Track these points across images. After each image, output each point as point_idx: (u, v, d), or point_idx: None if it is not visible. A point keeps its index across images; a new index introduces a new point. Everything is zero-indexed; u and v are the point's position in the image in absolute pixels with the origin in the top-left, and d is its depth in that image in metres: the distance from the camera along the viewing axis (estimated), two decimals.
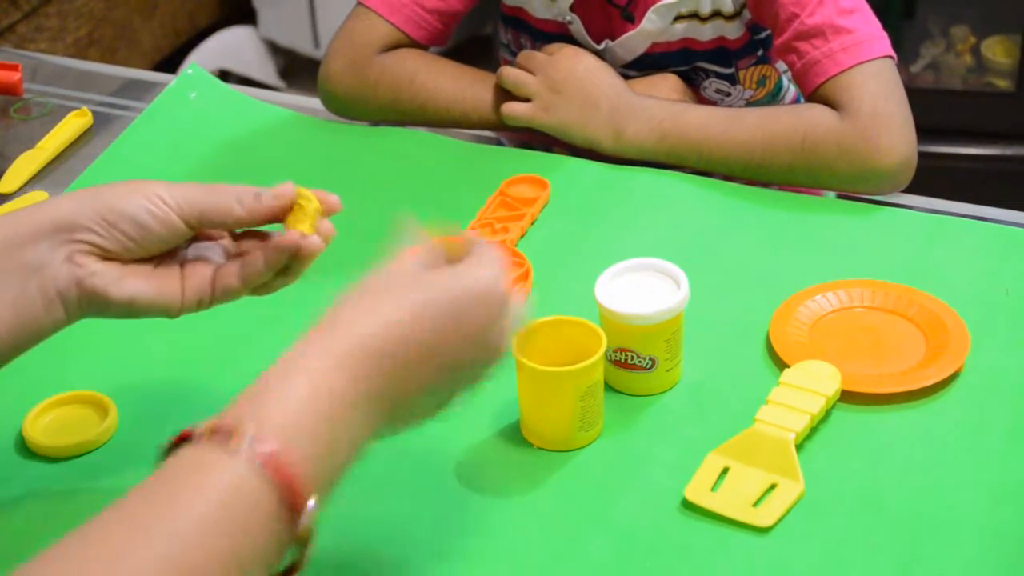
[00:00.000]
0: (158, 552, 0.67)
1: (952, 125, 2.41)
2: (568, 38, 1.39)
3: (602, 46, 1.39)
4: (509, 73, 1.35)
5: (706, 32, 1.37)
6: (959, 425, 1.02)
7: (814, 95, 1.28)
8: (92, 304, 0.88)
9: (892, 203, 1.27)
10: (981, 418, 1.02)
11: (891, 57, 1.27)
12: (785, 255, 1.20)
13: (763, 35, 1.38)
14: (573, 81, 1.32)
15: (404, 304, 0.78)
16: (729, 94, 1.42)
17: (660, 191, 1.28)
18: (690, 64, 1.39)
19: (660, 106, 1.30)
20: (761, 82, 1.43)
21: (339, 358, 0.76)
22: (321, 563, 0.93)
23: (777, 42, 1.31)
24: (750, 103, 1.43)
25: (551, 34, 1.40)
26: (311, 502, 0.72)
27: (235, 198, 0.90)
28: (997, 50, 2.51)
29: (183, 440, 0.73)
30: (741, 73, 1.41)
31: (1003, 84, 2.49)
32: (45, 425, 1.03)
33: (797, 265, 1.18)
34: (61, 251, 0.87)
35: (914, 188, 1.29)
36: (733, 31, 1.37)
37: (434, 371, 0.79)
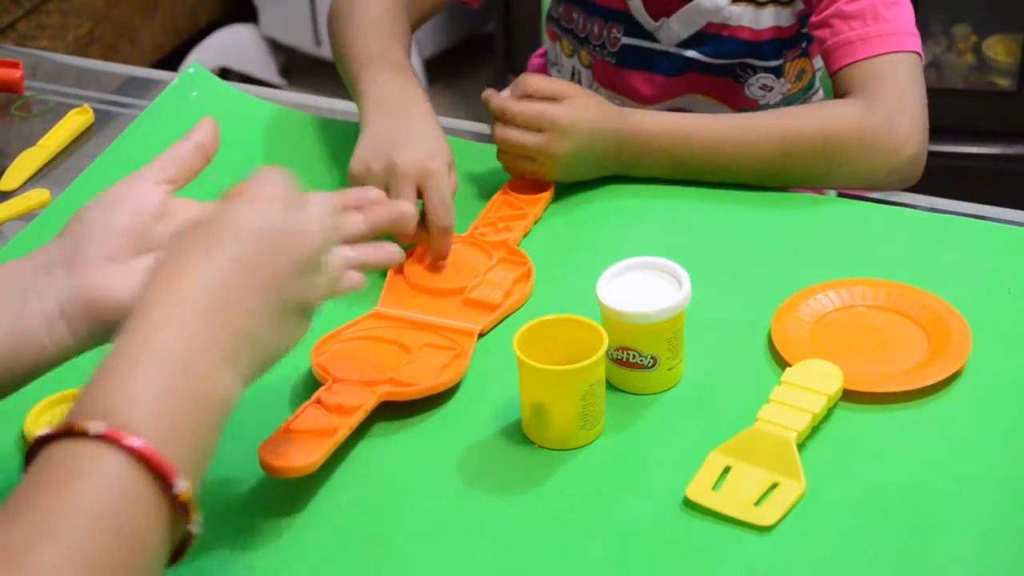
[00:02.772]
0: (52, 563, 0.66)
1: (953, 124, 2.41)
2: (625, 14, 1.39)
3: (659, 23, 1.39)
4: (506, 136, 1.24)
5: (763, 19, 1.37)
6: (961, 424, 1.02)
7: (838, 73, 1.28)
8: (101, 314, 0.85)
9: (894, 202, 1.27)
10: (983, 417, 1.02)
11: (920, 55, 1.28)
12: (787, 254, 1.20)
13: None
14: (571, 134, 1.24)
15: (207, 243, 0.80)
16: (772, 88, 1.42)
17: (662, 190, 1.28)
18: (740, 58, 1.39)
19: (668, 134, 1.26)
20: (799, 76, 1.43)
21: (172, 324, 0.75)
22: (321, 561, 0.93)
23: (815, 18, 1.31)
24: (785, 97, 1.43)
25: (607, 9, 1.40)
26: (183, 483, 0.71)
27: None
28: (998, 49, 2.50)
29: (46, 440, 0.71)
30: (787, 65, 1.41)
31: (1004, 83, 2.49)
32: (47, 423, 1.03)
33: (799, 264, 1.18)
34: (60, 270, 0.86)
35: (916, 187, 1.29)
36: (786, 19, 1.37)
37: (264, 283, 0.80)
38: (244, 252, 0.80)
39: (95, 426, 0.70)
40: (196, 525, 0.72)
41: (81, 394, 0.73)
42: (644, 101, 1.43)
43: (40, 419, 1.03)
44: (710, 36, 1.38)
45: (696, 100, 1.43)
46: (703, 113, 1.30)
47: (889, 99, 1.25)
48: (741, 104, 1.42)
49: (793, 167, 1.25)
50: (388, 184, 1.15)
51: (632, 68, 1.42)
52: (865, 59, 1.26)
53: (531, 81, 1.25)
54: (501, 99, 1.24)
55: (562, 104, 1.23)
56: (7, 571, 0.66)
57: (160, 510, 0.71)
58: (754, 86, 1.41)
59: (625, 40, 1.41)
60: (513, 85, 1.25)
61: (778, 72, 1.41)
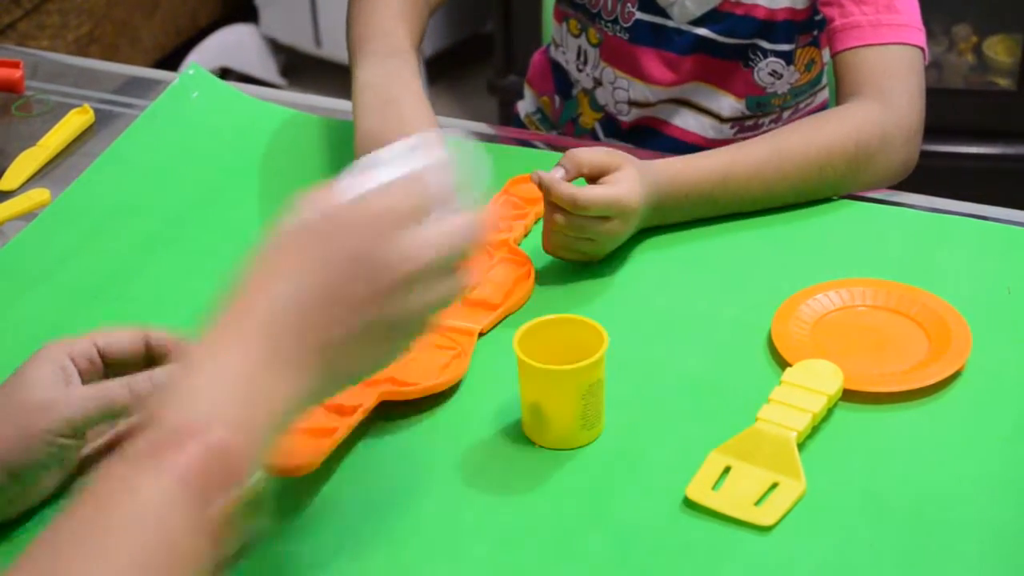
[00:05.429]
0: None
1: (954, 124, 2.41)
2: None
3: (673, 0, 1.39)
4: (580, 224, 1.15)
5: None
6: (961, 424, 1.02)
7: (843, 54, 1.28)
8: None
9: (894, 202, 1.27)
10: (983, 417, 1.02)
11: (925, 52, 1.29)
12: (787, 254, 1.20)
13: (821, 16, 1.37)
14: (636, 215, 1.18)
15: (299, 258, 0.78)
16: (781, 76, 1.41)
17: None
18: (752, 38, 1.39)
19: (704, 179, 1.22)
20: (808, 66, 1.43)
21: (254, 337, 0.75)
22: (321, 560, 0.93)
23: None
24: (793, 88, 1.43)
25: None
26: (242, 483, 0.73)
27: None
28: (999, 49, 2.51)
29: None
30: (798, 52, 1.41)
31: (1004, 83, 2.49)
32: None
33: (799, 264, 1.18)
34: None
35: (915, 187, 1.29)
36: (802, 0, 1.37)
37: (350, 310, 0.78)
38: (332, 273, 0.77)
39: (165, 423, 0.72)
40: (259, 523, 0.76)
41: (154, 400, 0.76)
42: (652, 81, 1.43)
43: None
44: (724, 14, 1.38)
45: (702, 89, 1.43)
46: (733, 144, 1.25)
47: (902, 96, 1.26)
48: (749, 92, 1.42)
49: (829, 180, 1.24)
50: None
51: (644, 44, 1.42)
52: (873, 45, 1.26)
53: (582, 158, 1.16)
54: (568, 188, 1.13)
55: (622, 184, 1.15)
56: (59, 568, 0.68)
57: (211, 522, 0.71)
58: (763, 71, 1.41)
59: (639, 15, 1.41)
60: (565, 162, 1.16)
61: (788, 58, 1.41)
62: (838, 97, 1.30)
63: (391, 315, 0.79)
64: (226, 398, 0.74)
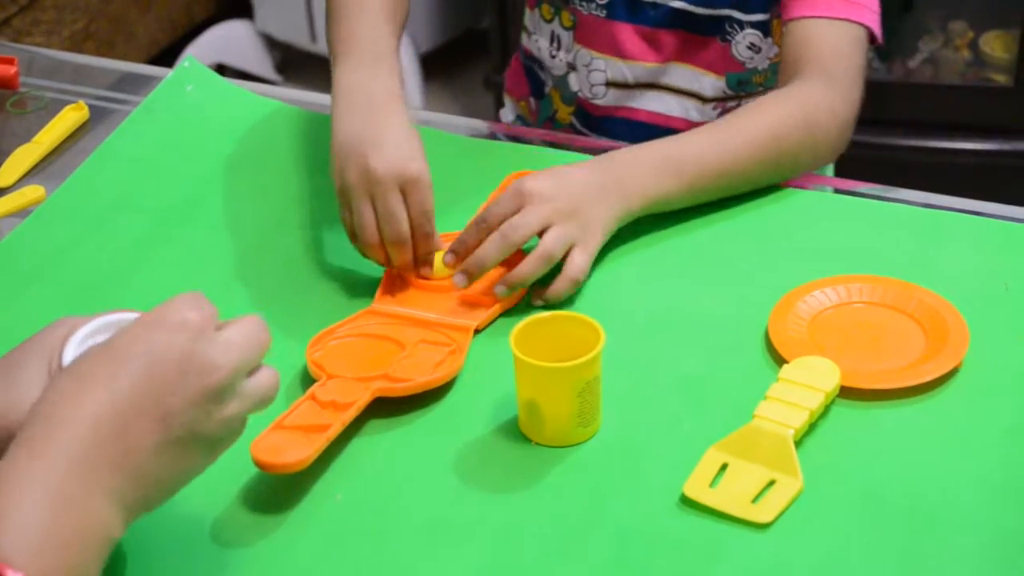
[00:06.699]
0: None
1: (950, 120, 2.41)
2: None
3: None
4: (511, 234, 1.12)
5: None
6: (958, 421, 1.01)
7: (792, 23, 1.30)
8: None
9: (890, 198, 1.27)
10: (980, 414, 1.02)
11: (875, 33, 1.30)
12: (783, 250, 1.20)
13: None
14: (553, 190, 1.15)
15: (111, 367, 0.76)
16: (759, 50, 1.41)
17: None
18: (726, 8, 1.38)
19: (654, 175, 1.20)
20: None
21: (61, 458, 0.73)
22: (316, 559, 0.93)
23: None
24: (772, 63, 1.42)
25: None
26: None
27: None
28: (995, 45, 2.50)
29: None
30: (774, 22, 1.40)
31: (1001, 79, 2.49)
32: None
33: (796, 260, 1.18)
34: None
35: (912, 183, 1.29)
36: None
37: (152, 424, 0.76)
38: (140, 383, 0.76)
39: None
40: None
41: None
42: (629, 57, 1.42)
43: None
44: None
45: (680, 70, 1.42)
46: (691, 127, 1.26)
47: (848, 73, 1.27)
48: (728, 69, 1.41)
49: (785, 159, 1.24)
50: (371, 192, 1.12)
51: (620, 20, 1.42)
52: (822, 18, 1.28)
53: (485, 255, 1.13)
54: (539, 294, 1.13)
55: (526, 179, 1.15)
56: None
57: None
58: (741, 44, 1.40)
59: None
60: (465, 267, 1.13)
61: (765, 30, 1.40)
62: (782, 65, 1.32)
63: (198, 421, 0.78)
64: (33, 527, 0.70)
